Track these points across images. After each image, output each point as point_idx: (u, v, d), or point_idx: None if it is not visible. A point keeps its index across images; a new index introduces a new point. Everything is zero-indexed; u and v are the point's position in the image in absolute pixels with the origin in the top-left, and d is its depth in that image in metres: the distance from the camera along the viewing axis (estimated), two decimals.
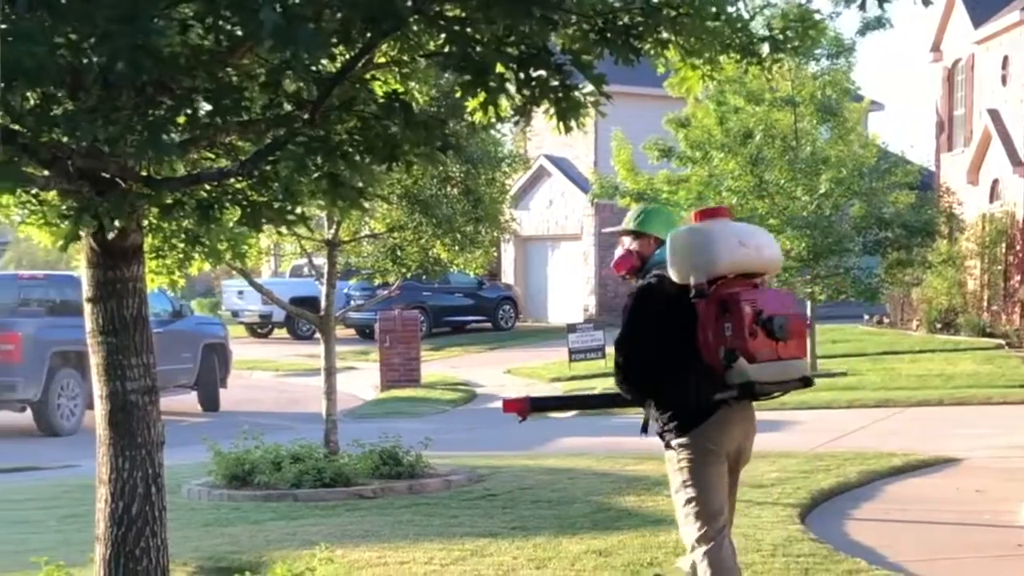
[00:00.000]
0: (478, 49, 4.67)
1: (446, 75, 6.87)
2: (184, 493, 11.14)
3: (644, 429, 5.80)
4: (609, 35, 4.96)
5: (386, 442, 11.68)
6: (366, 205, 5.76)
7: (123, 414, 5.62)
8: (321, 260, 12.89)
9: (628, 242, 5.96)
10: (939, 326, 27.43)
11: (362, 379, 24.72)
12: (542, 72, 4.82)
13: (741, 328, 5.41)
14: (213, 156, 5.70)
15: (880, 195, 21.97)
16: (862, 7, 5.45)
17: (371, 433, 12.69)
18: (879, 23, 20.46)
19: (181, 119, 4.80)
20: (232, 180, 5.32)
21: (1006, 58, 27.32)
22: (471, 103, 4.97)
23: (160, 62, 4.13)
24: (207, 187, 5.32)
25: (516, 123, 4.95)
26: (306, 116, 4.94)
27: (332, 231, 12.14)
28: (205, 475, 11.69)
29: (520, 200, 36.29)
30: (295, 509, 10.31)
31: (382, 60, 5.39)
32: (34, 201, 5.57)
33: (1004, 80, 27.38)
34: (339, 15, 4.50)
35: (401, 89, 5.47)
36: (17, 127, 4.70)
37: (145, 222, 5.63)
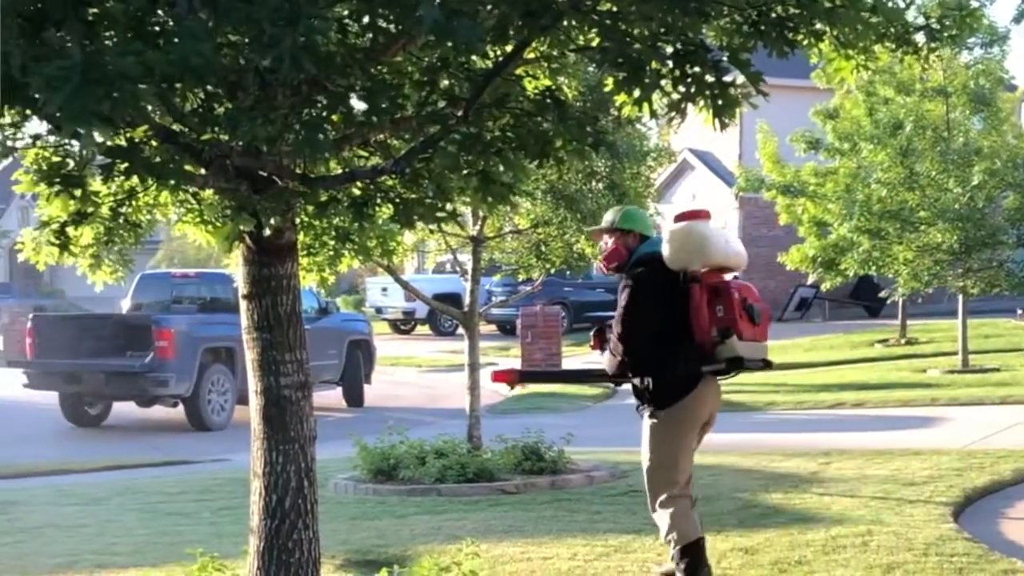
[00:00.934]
0: (634, 45, 4.63)
1: (590, 68, 6.85)
2: (331, 487, 11.29)
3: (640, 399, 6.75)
4: (763, 27, 4.89)
5: (528, 437, 11.69)
6: (514, 202, 5.77)
7: (277, 409, 5.70)
8: (465, 257, 12.95)
9: (608, 239, 6.84)
10: None
11: None
12: (698, 68, 4.77)
13: (732, 310, 6.41)
14: (366, 154, 5.75)
15: None
16: None
17: (513, 428, 12.71)
18: None
19: (336, 117, 4.85)
20: (383, 177, 5.36)
21: None
22: (620, 98, 4.94)
23: (319, 61, 4.17)
24: (360, 185, 5.37)
25: (670, 120, 4.90)
26: (459, 113, 4.95)
27: (477, 227, 12.19)
28: (351, 469, 11.82)
29: (663, 194, 36.08)
30: (439, 504, 10.38)
31: (531, 56, 5.39)
32: (191, 200, 5.68)
33: None
34: (495, 11, 4.50)
35: (552, 85, 5.46)
36: (178, 127, 4.80)
37: (297, 220, 5.71)
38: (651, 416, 6.64)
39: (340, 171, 5.59)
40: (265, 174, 5.08)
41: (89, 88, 3.72)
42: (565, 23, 4.82)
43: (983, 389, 18.04)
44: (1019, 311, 29.42)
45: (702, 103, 4.86)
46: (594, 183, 12.14)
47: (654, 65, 4.67)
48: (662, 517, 6.63)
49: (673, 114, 4.79)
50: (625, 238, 6.80)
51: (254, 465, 5.79)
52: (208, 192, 5.49)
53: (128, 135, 4.72)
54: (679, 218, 6.67)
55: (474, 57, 4.98)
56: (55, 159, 5.33)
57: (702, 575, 6.60)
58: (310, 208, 5.39)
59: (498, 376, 7.31)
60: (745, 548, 8.05)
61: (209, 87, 4.57)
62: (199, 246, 6.44)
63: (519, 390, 18.80)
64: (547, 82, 5.50)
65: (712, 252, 6.49)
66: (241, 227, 5.08)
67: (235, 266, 5.81)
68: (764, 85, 5.03)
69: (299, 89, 4.61)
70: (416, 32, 4.16)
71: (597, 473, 11.51)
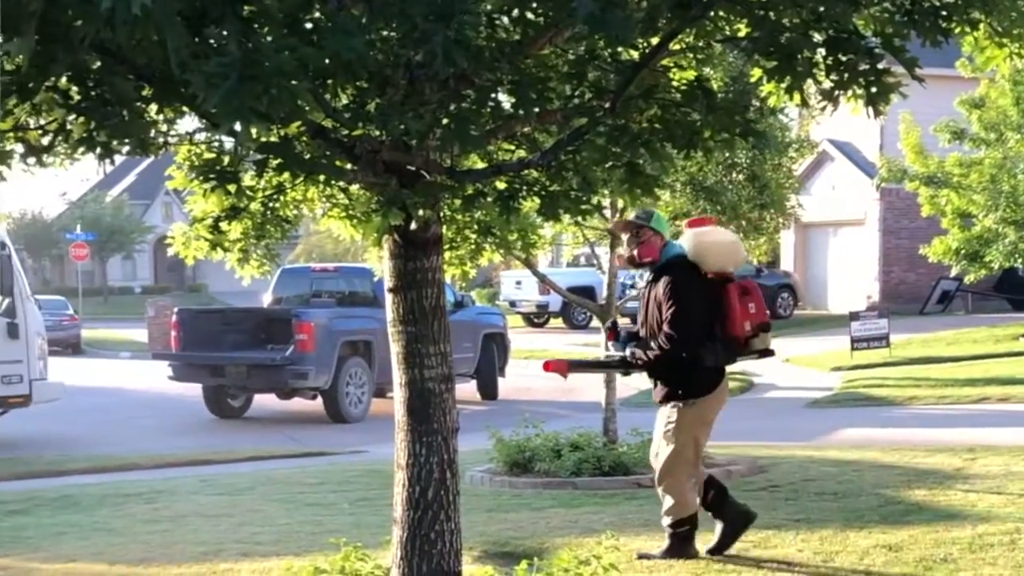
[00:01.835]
0: (785, 34, 4.57)
1: (730, 57, 6.78)
2: (467, 479, 11.35)
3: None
4: (916, 16, 4.80)
5: None
6: (658, 194, 5.75)
7: (421, 401, 5.76)
8: (602, 250, 12.92)
9: (630, 238, 7.32)
10: None
11: None
12: (851, 56, 4.69)
13: (763, 307, 7.22)
14: (512, 148, 5.76)
15: None
16: None
17: (647, 422, 12.61)
18: None
19: (485, 111, 4.86)
20: (528, 170, 5.36)
21: None
22: (767, 87, 4.88)
23: (470, 56, 4.19)
24: (505, 178, 5.39)
25: (823, 109, 4.84)
26: (607, 105, 4.94)
27: (615, 220, 12.15)
28: (487, 462, 11.88)
29: (802, 185, 35.60)
30: (574, 497, 10.36)
31: (676, 47, 5.35)
32: (339, 195, 5.75)
33: None
34: (645, 2, 4.48)
35: (699, 75, 5.42)
36: (328, 123, 4.86)
37: (441, 214, 5.75)
38: (684, 406, 7.29)
39: (485, 165, 5.61)
40: (413, 168, 5.12)
41: (246, 85, 3.78)
42: (714, 13, 4.78)
43: None
44: None
45: (856, 91, 4.79)
46: (735, 174, 12.04)
47: (806, 53, 4.61)
48: (672, 489, 7.41)
49: (825, 103, 4.72)
50: (656, 238, 7.29)
51: (398, 456, 5.85)
52: (356, 187, 5.55)
53: (281, 131, 4.80)
54: (708, 221, 7.64)
55: (620, 49, 4.96)
56: (208, 155, 5.43)
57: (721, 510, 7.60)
58: (456, 202, 5.42)
59: (549, 365, 7.60)
60: (889, 545, 7.90)
61: (360, 83, 4.62)
62: (337, 240, 6.53)
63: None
64: (693, 73, 5.47)
65: (743, 258, 7.49)
66: (392, 221, 5.13)
67: (374, 260, 5.87)
68: (901, 73, 4.95)
69: (446, 84, 4.63)
70: (569, 24, 4.16)
71: (735, 467, 11.39)
